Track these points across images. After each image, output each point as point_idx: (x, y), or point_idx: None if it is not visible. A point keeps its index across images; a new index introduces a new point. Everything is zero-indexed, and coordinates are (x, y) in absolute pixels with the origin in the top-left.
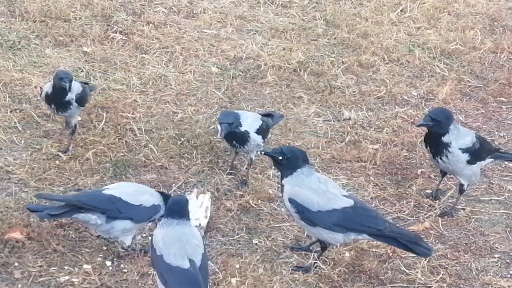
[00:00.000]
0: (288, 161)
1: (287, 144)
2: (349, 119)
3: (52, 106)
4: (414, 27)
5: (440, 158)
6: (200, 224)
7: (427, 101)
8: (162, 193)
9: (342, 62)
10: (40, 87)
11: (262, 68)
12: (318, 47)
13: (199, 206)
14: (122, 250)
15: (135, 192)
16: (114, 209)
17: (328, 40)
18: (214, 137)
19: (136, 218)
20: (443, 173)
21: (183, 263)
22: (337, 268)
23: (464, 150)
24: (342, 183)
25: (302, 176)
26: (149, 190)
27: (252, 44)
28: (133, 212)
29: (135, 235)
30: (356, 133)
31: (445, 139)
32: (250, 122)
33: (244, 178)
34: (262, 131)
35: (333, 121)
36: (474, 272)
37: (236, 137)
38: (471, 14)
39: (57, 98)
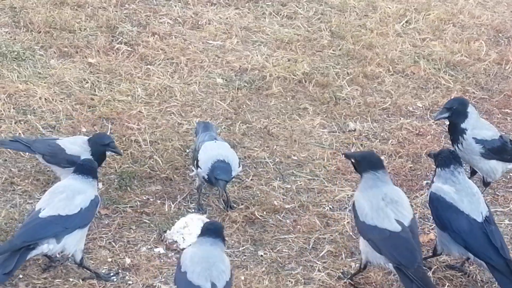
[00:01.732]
0: (358, 164)
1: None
2: (354, 130)
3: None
4: (419, 39)
5: (457, 146)
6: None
7: (432, 113)
8: (82, 170)
9: (347, 73)
10: (70, 156)
11: (267, 79)
12: (323, 58)
13: (182, 228)
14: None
15: (68, 199)
16: (61, 229)
17: (333, 51)
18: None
19: (83, 224)
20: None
21: (205, 284)
22: (342, 280)
23: (478, 141)
24: (347, 195)
25: (367, 184)
26: (77, 186)
27: (257, 55)
28: (78, 220)
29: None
30: (361, 145)
31: (463, 125)
32: (235, 162)
33: (226, 201)
34: (239, 160)
35: (338, 132)
36: (479, 284)
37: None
38: (476, 25)
39: (99, 161)
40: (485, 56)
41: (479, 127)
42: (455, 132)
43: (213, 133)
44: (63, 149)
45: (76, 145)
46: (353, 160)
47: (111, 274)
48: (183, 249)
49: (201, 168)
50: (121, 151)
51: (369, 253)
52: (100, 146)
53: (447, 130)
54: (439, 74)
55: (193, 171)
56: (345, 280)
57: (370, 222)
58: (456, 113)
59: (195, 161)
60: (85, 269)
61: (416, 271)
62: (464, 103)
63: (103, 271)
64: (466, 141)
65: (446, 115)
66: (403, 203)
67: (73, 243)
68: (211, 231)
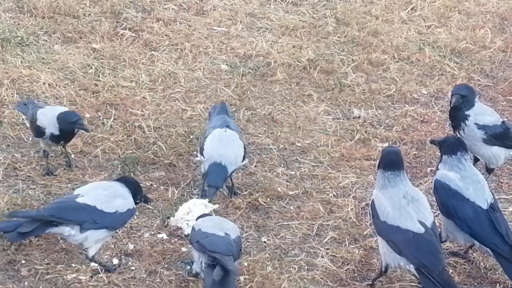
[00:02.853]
0: (380, 162)
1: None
2: (359, 117)
3: (61, 143)
4: (425, 26)
5: (459, 132)
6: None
7: (437, 100)
8: (127, 182)
9: (352, 60)
10: (38, 127)
11: (272, 65)
12: (328, 45)
13: (185, 214)
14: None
15: (109, 197)
16: (90, 220)
17: (338, 38)
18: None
19: (112, 226)
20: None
21: (218, 232)
22: (346, 267)
23: (480, 127)
24: (351, 181)
25: (387, 181)
26: (120, 191)
27: (262, 42)
28: (109, 220)
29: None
30: (366, 131)
31: (467, 111)
32: (237, 159)
33: (230, 188)
34: (245, 152)
35: (343, 119)
36: (482, 271)
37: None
38: (482, 13)
39: (68, 136)
40: (490, 44)
41: (481, 113)
42: (457, 118)
43: (227, 117)
44: (36, 118)
45: (46, 118)
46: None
47: (117, 265)
48: (187, 235)
49: (204, 158)
50: (89, 128)
51: (387, 254)
52: (68, 124)
53: (448, 116)
54: (444, 61)
55: (197, 156)
56: (369, 283)
57: (392, 222)
58: (466, 100)
59: (201, 148)
60: (94, 263)
61: (441, 274)
62: (473, 91)
63: (106, 257)
64: (468, 127)
65: (461, 101)
66: (424, 203)
67: (94, 239)
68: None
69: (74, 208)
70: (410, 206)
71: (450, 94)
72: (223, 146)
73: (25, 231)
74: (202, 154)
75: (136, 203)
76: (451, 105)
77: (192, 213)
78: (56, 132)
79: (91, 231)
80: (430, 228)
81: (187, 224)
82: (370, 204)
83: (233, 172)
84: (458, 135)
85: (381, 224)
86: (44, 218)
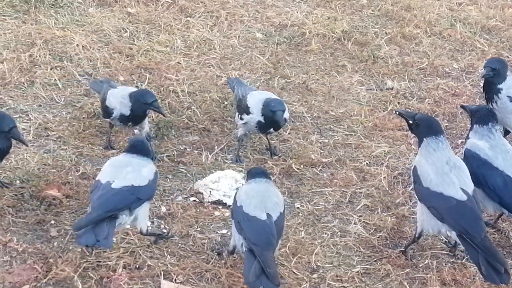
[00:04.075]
0: (417, 127)
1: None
2: (392, 88)
3: (129, 124)
4: (456, 3)
5: (491, 104)
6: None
7: (467, 74)
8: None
9: (386, 33)
10: (106, 107)
11: (306, 35)
12: (362, 18)
13: (212, 182)
14: (147, 236)
15: (136, 171)
16: (135, 199)
17: (372, 12)
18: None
19: (150, 195)
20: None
21: (261, 215)
22: (378, 234)
23: None
24: (384, 151)
25: (430, 148)
26: (138, 161)
27: (297, 12)
28: (147, 192)
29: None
30: (398, 103)
31: (499, 85)
32: (285, 105)
33: (270, 149)
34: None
35: (376, 90)
36: (511, 241)
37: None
38: None
39: (138, 117)
40: None
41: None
42: (490, 91)
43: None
44: (105, 98)
45: (115, 98)
46: (411, 122)
47: (169, 234)
48: (206, 202)
49: (252, 113)
50: (166, 112)
51: (427, 221)
52: (142, 105)
53: (482, 89)
54: (475, 37)
55: (242, 119)
56: (401, 249)
57: (434, 188)
58: (497, 73)
59: (244, 109)
60: (149, 236)
61: (483, 241)
62: (506, 65)
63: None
64: (500, 100)
65: (491, 74)
66: (465, 170)
67: (143, 215)
68: (261, 173)
69: (117, 195)
70: (452, 172)
71: (482, 67)
72: (267, 94)
73: (105, 235)
74: (248, 112)
75: (152, 159)
76: (481, 77)
77: (219, 183)
78: (127, 113)
79: (137, 209)
80: (471, 195)
81: (210, 191)
82: (411, 170)
83: (285, 113)
84: (491, 107)
85: (424, 190)
86: (100, 217)
